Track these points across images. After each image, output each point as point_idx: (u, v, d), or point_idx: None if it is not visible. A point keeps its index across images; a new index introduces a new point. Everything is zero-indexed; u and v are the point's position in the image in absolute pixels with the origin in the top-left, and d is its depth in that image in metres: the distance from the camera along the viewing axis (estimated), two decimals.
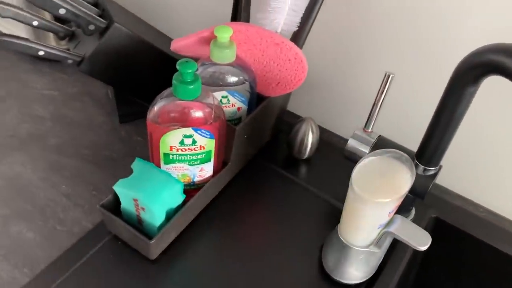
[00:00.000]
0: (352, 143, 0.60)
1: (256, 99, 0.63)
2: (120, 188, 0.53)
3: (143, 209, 0.53)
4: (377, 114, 0.58)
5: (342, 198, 0.53)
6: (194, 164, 0.57)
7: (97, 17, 0.62)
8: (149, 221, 0.54)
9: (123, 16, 0.66)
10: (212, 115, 0.53)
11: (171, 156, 0.55)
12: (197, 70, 0.51)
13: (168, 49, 0.63)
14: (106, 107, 0.79)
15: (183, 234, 0.58)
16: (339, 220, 0.55)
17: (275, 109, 0.68)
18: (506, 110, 0.62)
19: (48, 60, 0.84)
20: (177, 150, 0.55)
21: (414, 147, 0.57)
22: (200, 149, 0.55)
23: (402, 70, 0.65)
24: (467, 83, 0.46)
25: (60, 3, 0.58)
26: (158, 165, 0.57)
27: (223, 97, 0.59)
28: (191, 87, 0.50)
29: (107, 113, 0.78)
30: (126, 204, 0.54)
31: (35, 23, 0.62)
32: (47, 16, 0.73)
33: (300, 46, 0.63)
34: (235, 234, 0.61)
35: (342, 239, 0.53)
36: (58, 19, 0.63)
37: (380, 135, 0.60)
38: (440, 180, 0.69)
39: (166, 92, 0.53)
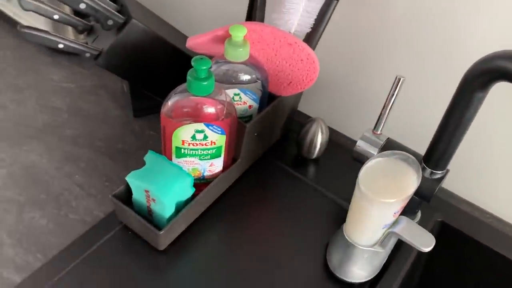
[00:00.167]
0: (360, 144, 0.61)
1: (267, 98, 0.64)
2: (132, 179, 0.54)
3: (153, 200, 0.54)
4: (387, 116, 0.59)
5: (349, 199, 0.54)
6: (205, 159, 0.58)
7: (116, 13, 0.64)
8: (159, 212, 0.55)
9: (140, 13, 0.68)
10: (224, 112, 0.55)
11: (182, 150, 0.57)
12: (211, 67, 0.52)
13: (183, 46, 0.64)
14: (121, 101, 0.81)
15: (191, 227, 0.60)
16: (345, 220, 0.56)
17: (286, 108, 0.70)
18: None
19: (66, 53, 0.87)
20: (189, 144, 0.56)
21: (422, 150, 0.58)
22: (211, 144, 0.57)
23: (412, 74, 0.66)
24: (476, 89, 0.47)
25: None
26: (170, 159, 0.58)
27: (235, 94, 0.60)
28: (205, 83, 0.51)
29: (121, 107, 0.80)
30: (138, 195, 0.56)
31: (55, 16, 0.63)
32: (67, 10, 0.76)
33: (313, 47, 0.64)
34: (242, 229, 0.62)
35: (347, 238, 0.54)
36: (78, 13, 0.65)
37: (388, 138, 0.60)
38: (447, 184, 0.69)
39: (180, 87, 0.54)
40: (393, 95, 0.57)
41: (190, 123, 0.54)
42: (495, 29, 0.58)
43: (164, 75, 0.68)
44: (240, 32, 0.55)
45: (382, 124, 0.60)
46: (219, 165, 0.60)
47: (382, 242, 0.53)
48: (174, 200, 0.55)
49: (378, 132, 0.60)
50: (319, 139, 0.69)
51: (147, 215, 0.57)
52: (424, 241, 0.50)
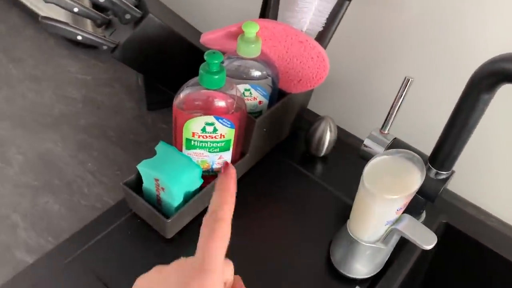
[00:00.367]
0: (368, 143, 0.61)
1: (277, 95, 0.65)
2: (143, 168, 0.56)
3: (163, 189, 0.56)
4: (394, 116, 0.60)
5: (354, 197, 0.54)
6: (214, 152, 0.60)
7: (133, 7, 0.66)
8: (168, 201, 0.57)
9: (157, 8, 0.70)
10: (234, 106, 0.56)
11: (192, 142, 0.58)
12: (223, 62, 0.54)
13: (197, 41, 0.66)
14: (135, 94, 0.83)
15: (199, 217, 0.61)
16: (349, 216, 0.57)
17: (295, 105, 0.71)
18: None
19: (83, 46, 0.90)
20: (199, 136, 0.57)
21: (429, 151, 0.58)
22: (221, 137, 0.58)
23: (422, 75, 0.67)
24: (482, 91, 0.48)
25: None
26: (180, 150, 0.60)
27: (246, 90, 0.61)
28: (216, 77, 0.53)
29: (135, 99, 0.82)
30: (148, 183, 0.58)
31: (75, 9, 0.65)
32: (87, 3, 0.78)
33: (325, 46, 0.65)
34: (248, 223, 0.63)
35: (350, 233, 0.55)
36: (96, 7, 0.67)
37: (395, 137, 0.61)
38: (453, 187, 0.70)
39: (192, 80, 0.56)
40: (401, 95, 0.58)
41: (200, 116, 0.55)
42: (503, 31, 0.59)
43: (178, 69, 0.70)
44: (252, 29, 0.57)
45: (390, 123, 0.60)
46: (228, 159, 0.62)
47: (384, 239, 0.54)
48: (183, 190, 0.57)
49: (386, 132, 0.61)
50: (328, 137, 0.70)
51: (156, 204, 0.59)
52: (425, 239, 0.51)
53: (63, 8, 0.65)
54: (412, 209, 0.58)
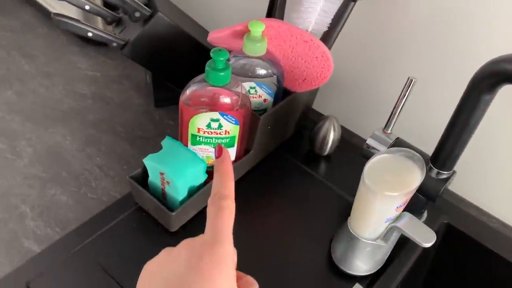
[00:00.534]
0: (370, 142, 0.62)
1: (282, 94, 0.66)
2: (149, 162, 0.57)
3: (168, 183, 0.57)
4: (397, 116, 0.60)
5: None
6: None
7: (143, 6, 0.67)
8: (173, 195, 0.58)
9: (166, 7, 0.71)
10: (239, 103, 0.57)
11: (198, 138, 0.59)
12: (228, 59, 0.55)
13: (205, 40, 0.67)
14: (144, 91, 0.84)
15: (202, 212, 0.62)
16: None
17: (300, 104, 0.72)
18: None
19: (94, 43, 0.91)
20: (204, 132, 0.59)
21: (432, 151, 0.59)
22: (225, 133, 0.59)
23: (425, 75, 0.68)
24: (483, 91, 0.48)
25: None
26: (186, 146, 0.61)
27: (251, 87, 0.62)
28: (222, 74, 0.54)
29: (143, 96, 0.83)
30: (153, 177, 0.59)
31: (87, 7, 0.67)
32: (98, 1, 0.79)
33: (330, 46, 0.66)
34: (251, 220, 0.64)
35: (351, 230, 0.56)
36: (107, 5, 0.69)
37: (398, 137, 0.62)
38: (455, 188, 0.70)
39: (198, 77, 0.57)
40: (404, 95, 0.59)
41: (206, 112, 0.57)
42: (507, 33, 0.59)
43: (186, 67, 0.71)
44: (258, 28, 0.58)
45: (393, 123, 0.61)
46: (232, 155, 0.63)
47: (384, 236, 0.55)
48: (187, 184, 0.58)
49: (389, 131, 0.62)
50: (331, 136, 0.70)
51: (161, 198, 0.60)
52: (425, 237, 0.52)
53: (74, 5, 0.66)
54: (413, 208, 0.59)
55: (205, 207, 0.33)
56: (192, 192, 0.59)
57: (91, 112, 0.79)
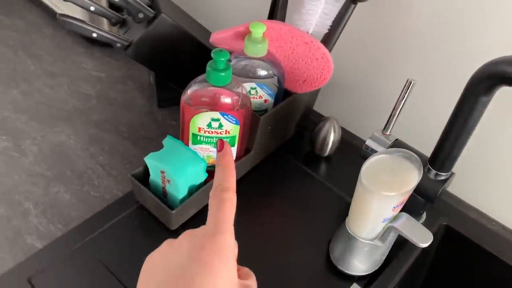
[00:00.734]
0: (369, 143, 0.63)
1: (283, 95, 0.67)
2: (150, 160, 0.58)
3: (168, 181, 0.58)
4: (396, 118, 0.61)
5: None
6: None
7: (147, 7, 0.68)
8: (173, 193, 0.59)
9: (170, 8, 0.72)
10: (239, 103, 0.58)
11: (198, 137, 0.60)
12: (229, 60, 0.56)
13: (207, 41, 0.68)
14: (147, 91, 0.85)
15: (203, 211, 0.63)
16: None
17: (300, 105, 0.72)
18: None
19: (99, 44, 0.93)
20: (205, 132, 0.59)
21: (431, 153, 0.59)
22: (226, 133, 0.60)
23: (425, 77, 0.68)
24: (480, 93, 0.49)
25: None
26: (187, 145, 0.62)
27: (252, 88, 0.63)
28: (223, 74, 0.55)
29: (147, 97, 0.84)
30: (154, 175, 0.60)
31: (92, 8, 0.68)
32: (103, 3, 0.81)
33: (330, 48, 0.67)
34: (251, 219, 0.65)
35: (349, 230, 0.56)
36: (112, 6, 0.70)
37: (397, 139, 0.62)
38: (455, 190, 0.71)
39: (200, 77, 0.58)
40: (403, 97, 0.59)
41: (207, 111, 0.57)
42: (505, 35, 0.60)
43: (188, 67, 0.72)
44: (259, 29, 0.59)
45: (392, 125, 0.62)
46: (233, 155, 0.64)
47: (382, 236, 0.55)
48: (188, 183, 0.59)
49: (388, 133, 0.62)
50: (332, 137, 0.71)
51: (162, 196, 0.61)
52: (422, 237, 0.52)
53: (80, 6, 0.67)
54: (412, 210, 0.59)
55: (206, 206, 0.34)
56: (193, 191, 0.60)
57: (95, 112, 0.80)
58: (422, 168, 0.51)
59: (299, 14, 0.64)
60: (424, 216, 0.66)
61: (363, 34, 0.74)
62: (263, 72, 0.63)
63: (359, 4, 0.64)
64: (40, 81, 0.85)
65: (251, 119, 0.63)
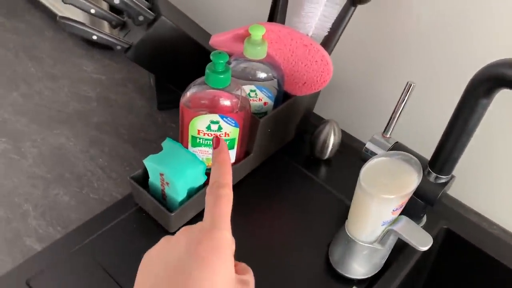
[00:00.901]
0: (369, 146, 0.63)
1: (282, 97, 0.67)
2: (149, 163, 0.58)
3: (167, 184, 0.58)
4: (396, 121, 0.61)
5: None
6: None
7: (147, 9, 0.68)
8: (172, 195, 0.59)
9: (169, 11, 0.72)
10: (238, 105, 0.58)
11: (198, 140, 0.60)
12: (228, 62, 0.56)
13: (207, 43, 0.68)
14: (147, 94, 0.85)
15: (202, 213, 0.62)
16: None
17: (300, 108, 0.72)
18: None
19: (99, 47, 0.93)
20: (204, 134, 0.59)
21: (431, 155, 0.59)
22: (225, 136, 0.60)
23: (426, 80, 0.68)
24: (480, 96, 0.48)
25: None
26: (187, 148, 0.62)
27: (251, 90, 0.63)
28: (222, 76, 0.55)
29: (147, 99, 0.84)
30: (154, 178, 0.60)
31: (92, 11, 0.68)
32: (104, 6, 0.81)
33: (330, 51, 0.67)
34: (250, 222, 0.65)
35: (348, 233, 0.56)
36: (113, 9, 0.70)
37: (397, 141, 0.62)
38: (455, 193, 0.70)
39: (199, 80, 0.58)
40: (403, 100, 0.59)
41: (206, 114, 0.57)
42: (505, 37, 0.59)
43: (188, 70, 0.72)
44: (259, 32, 0.59)
45: (392, 127, 0.62)
46: (232, 157, 0.63)
47: (381, 240, 0.55)
48: (187, 185, 0.58)
49: (388, 136, 0.62)
50: (331, 140, 0.71)
51: (161, 199, 0.61)
52: (421, 241, 0.52)
53: (80, 9, 0.67)
54: (412, 213, 0.59)
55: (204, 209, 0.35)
56: (192, 193, 0.60)
57: (95, 114, 0.80)
58: (422, 171, 0.51)
59: (299, 17, 0.64)
60: (424, 219, 0.66)
61: (363, 36, 0.73)
62: (262, 75, 0.63)
63: (359, 6, 0.64)
64: (41, 84, 0.85)
65: (251, 121, 0.62)
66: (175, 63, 0.73)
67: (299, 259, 0.61)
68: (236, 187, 0.68)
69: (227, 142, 0.61)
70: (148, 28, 0.68)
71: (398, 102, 0.59)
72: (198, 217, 0.62)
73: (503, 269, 0.63)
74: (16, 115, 0.78)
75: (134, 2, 0.67)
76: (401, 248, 0.60)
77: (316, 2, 0.62)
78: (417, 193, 0.56)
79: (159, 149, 0.60)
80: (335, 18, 0.64)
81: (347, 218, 0.58)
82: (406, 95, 0.59)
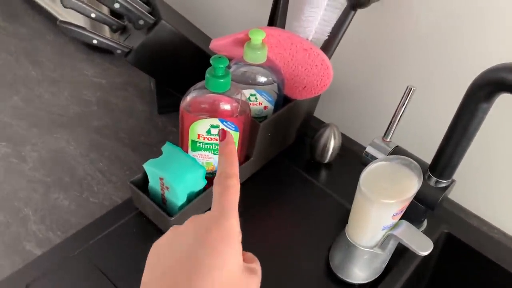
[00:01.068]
0: (369, 150, 0.62)
1: (282, 101, 0.67)
2: (149, 167, 0.58)
3: (167, 188, 0.58)
4: (397, 124, 0.61)
5: None
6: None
7: (147, 14, 0.68)
8: (172, 200, 0.59)
9: (170, 15, 0.73)
10: (238, 109, 0.58)
11: (198, 144, 0.60)
12: (228, 66, 0.56)
13: (207, 47, 0.68)
14: (147, 97, 0.85)
15: None
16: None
17: (300, 111, 0.72)
18: None
19: (100, 51, 0.93)
20: (204, 138, 0.59)
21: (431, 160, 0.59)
22: None
23: (426, 84, 0.68)
24: (480, 100, 0.48)
25: None
26: (187, 152, 0.61)
27: (251, 95, 0.63)
28: (222, 80, 0.55)
29: (147, 103, 0.84)
30: (153, 182, 0.59)
31: (92, 15, 0.69)
32: (105, 11, 0.81)
33: (330, 55, 0.67)
34: (250, 226, 0.64)
35: (348, 238, 0.56)
36: (114, 13, 0.70)
37: (397, 145, 0.62)
38: (456, 197, 0.70)
39: (199, 84, 0.58)
40: (403, 104, 0.59)
41: (206, 118, 0.57)
42: (505, 41, 0.59)
43: (188, 74, 0.72)
44: (259, 36, 0.59)
45: (392, 131, 0.61)
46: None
47: (381, 244, 0.55)
48: (186, 190, 0.58)
49: (388, 140, 0.62)
50: (332, 144, 0.71)
51: (161, 203, 0.61)
52: (422, 245, 0.51)
53: (81, 13, 0.68)
54: (413, 217, 0.59)
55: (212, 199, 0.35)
56: (192, 197, 0.60)
57: (96, 118, 0.80)
58: (422, 175, 0.51)
59: (299, 21, 0.64)
60: (425, 223, 0.65)
61: (363, 40, 0.73)
62: (262, 79, 0.63)
63: (359, 10, 0.64)
64: (41, 88, 0.86)
65: (251, 125, 0.62)
66: (176, 67, 0.73)
67: (299, 263, 0.61)
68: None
69: None
70: (148, 32, 0.69)
71: (398, 106, 0.59)
72: None
73: (504, 273, 0.63)
74: (16, 119, 0.78)
75: (134, 6, 0.67)
76: (401, 252, 0.60)
77: (316, 7, 0.62)
78: (418, 197, 0.55)
79: (159, 153, 0.60)
80: (335, 22, 0.64)
81: (347, 222, 0.58)
82: (406, 99, 0.59)
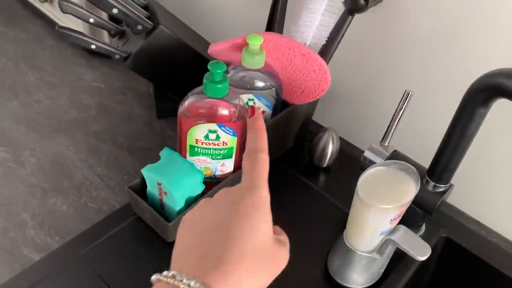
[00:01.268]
0: (367, 155, 0.62)
1: (281, 106, 0.67)
2: (147, 172, 0.58)
3: (165, 193, 0.58)
4: (394, 129, 0.61)
5: None
6: (217, 159, 0.61)
7: (145, 19, 0.69)
8: (170, 205, 0.58)
9: (168, 20, 0.73)
10: (236, 114, 0.58)
11: (196, 149, 0.60)
12: (226, 71, 0.56)
13: (205, 52, 0.68)
14: (146, 102, 0.85)
15: None
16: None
17: (299, 116, 0.72)
18: None
19: (99, 56, 0.93)
20: (202, 143, 0.59)
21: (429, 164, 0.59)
22: (223, 145, 0.60)
23: (424, 88, 0.68)
24: (477, 105, 0.48)
25: (113, 3, 0.65)
26: (185, 156, 0.61)
27: (249, 99, 0.63)
28: (219, 86, 0.55)
29: (146, 107, 0.84)
30: (151, 187, 0.59)
31: (91, 20, 0.69)
32: (104, 15, 0.81)
33: (328, 60, 0.67)
34: None
35: (346, 243, 0.56)
36: (112, 18, 0.70)
37: (396, 150, 0.62)
38: (455, 201, 0.70)
39: (197, 89, 0.58)
40: (401, 108, 0.59)
41: (204, 123, 0.57)
42: (503, 46, 0.60)
43: (186, 78, 0.72)
44: (257, 41, 0.59)
45: (390, 136, 0.61)
46: (230, 166, 0.63)
47: (380, 249, 0.55)
48: (184, 195, 0.58)
49: (386, 144, 0.62)
50: (330, 148, 0.71)
51: (159, 209, 0.61)
52: (419, 250, 0.51)
53: (79, 18, 0.68)
54: (411, 222, 0.59)
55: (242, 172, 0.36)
56: (190, 202, 0.60)
57: (94, 123, 0.80)
58: (420, 180, 0.51)
59: (297, 26, 0.65)
60: (423, 228, 0.65)
61: (361, 44, 0.74)
62: (260, 84, 0.63)
63: (357, 15, 0.64)
64: (40, 92, 0.86)
65: None
66: (174, 72, 0.73)
67: (297, 268, 0.60)
68: None
69: (225, 151, 0.61)
70: (147, 37, 0.69)
71: (396, 110, 0.59)
72: None
73: (503, 277, 0.63)
74: (15, 124, 0.78)
75: (132, 12, 0.67)
76: (400, 257, 0.60)
77: (314, 12, 0.62)
78: (416, 202, 0.55)
79: (158, 157, 0.60)
80: (332, 27, 0.64)
81: (345, 227, 0.58)
82: (404, 104, 0.59)
